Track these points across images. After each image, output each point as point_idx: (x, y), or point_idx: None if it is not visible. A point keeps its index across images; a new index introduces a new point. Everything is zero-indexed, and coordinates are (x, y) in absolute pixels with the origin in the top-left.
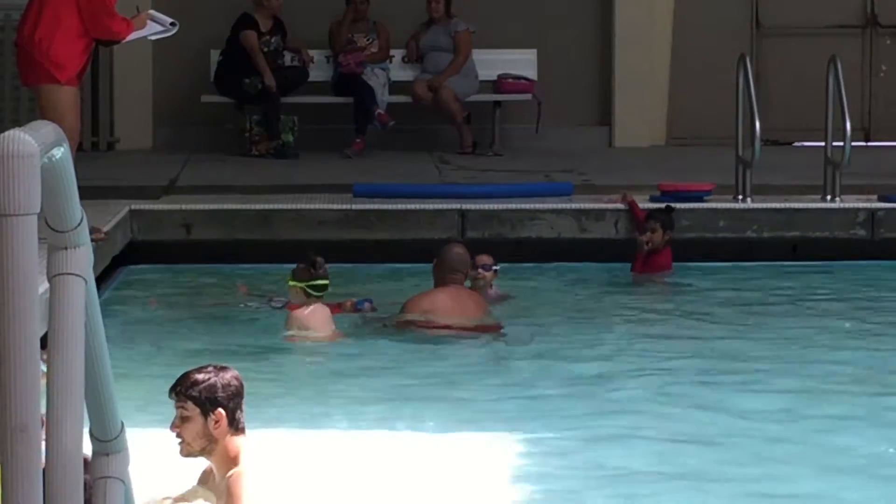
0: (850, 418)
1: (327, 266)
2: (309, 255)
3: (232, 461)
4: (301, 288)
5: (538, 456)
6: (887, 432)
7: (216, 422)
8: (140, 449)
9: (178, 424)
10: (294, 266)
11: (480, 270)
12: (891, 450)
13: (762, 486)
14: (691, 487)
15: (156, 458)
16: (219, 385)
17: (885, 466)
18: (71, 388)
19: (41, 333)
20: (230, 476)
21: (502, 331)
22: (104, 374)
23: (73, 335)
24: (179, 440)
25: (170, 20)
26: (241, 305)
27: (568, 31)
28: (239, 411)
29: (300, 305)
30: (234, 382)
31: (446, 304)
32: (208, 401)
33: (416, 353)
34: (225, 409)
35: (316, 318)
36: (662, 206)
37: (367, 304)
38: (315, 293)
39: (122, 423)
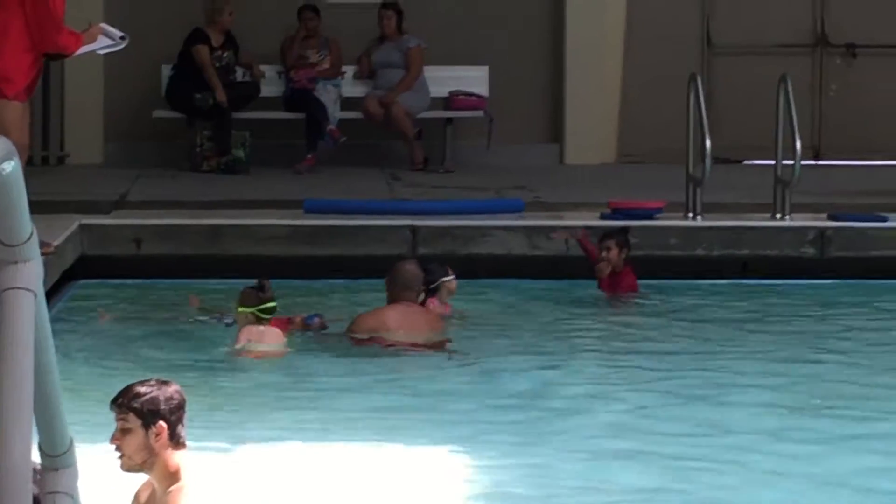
0: (797, 429)
1: (277, 282)
2: (255, 280)
3: (172, 476)
4: (250, 313)
5: (488, 471)
6: (835, 445)
7: (157, 435)
8: (88, 464)
9: (119, 437)
10: (241, 290)
11: (455, 282)
12: (834, 459)
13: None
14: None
15: (104, 474)
16: (161, 398)
17: (831, 474)
18: (20, 403)
19: None
20: (170, 492)
21: (449, 347)
22: (53, 389)
23: (22, 350)
24: (119, 453)
25: (120, 34)
26: (192, 321)
27: (519, 49)
28: (180, 425)
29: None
30: (177, 396)
31: (395, 321)
32: (150, 413)
33: (366, 369)
34: (167, 422)
35: (268, 334)
36: (617, 226)
37: (316, 320)
38: (265, 316)
39: (72, 439)
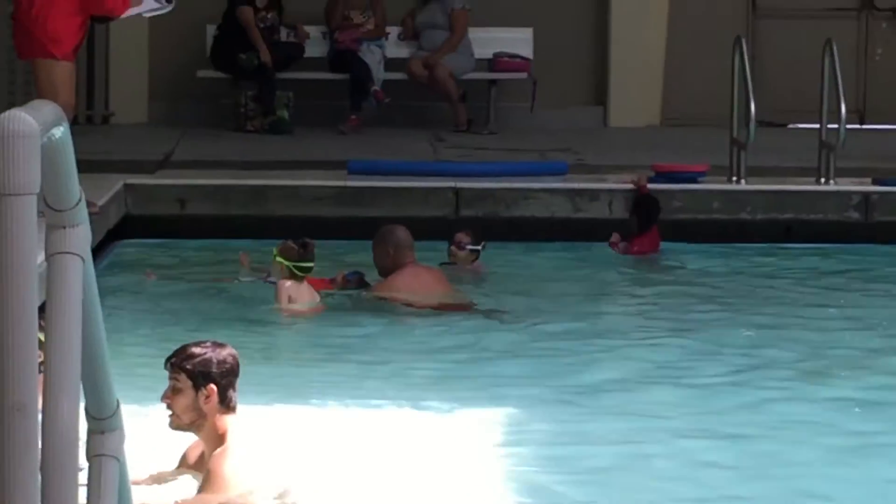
0: (840, 400)
1: (320, 242)
2: (301, 238)
3: (219, 438)
4: (287, 266)
5: (519, 431)
6: (872, 412)
7: (207, 397)
8: (134, 426)
9: (170, 395)
10: (281, 242)
11: (454, 249)
12: (878, 428)
13: (754, 466)
14: (675, 464)
15: (151, 436)
16: (214, 360)
17: (869, 444)
18: (68, 367)
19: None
20: (214, 454)
21: (475, 308)
22: (100, 353)
23: (70, 314)
24: (169, 412)
25: None
26: (236, 281)
27: (564, 11)
28: (231, 390)
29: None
30: (230, 360)
31: (411, 284)
32: (201, 375)
33: (399, 329)
34: (217, 385)
35: (302, 290)
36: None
37: (355, 277)
38: (299, 273)
39: (118, 401)
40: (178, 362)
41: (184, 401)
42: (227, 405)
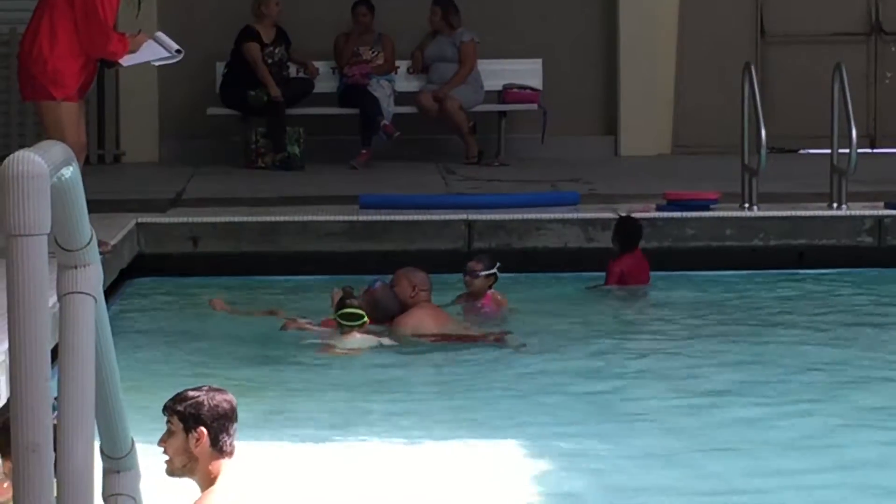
0: (854, 426)
1: (333, 278)
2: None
3: (211, 482)
4: (334, 318)
5: (544, 463)
6: (889, 436)
7: (197, 439)
8: (150, 465)
9: (165, 439)
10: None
11: (468, 279)
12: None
13: (768, 495)
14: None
15: (163, 475)
16: (206, 404)
17: (884, 467)
18: (81, 406)
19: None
20: (199, 497)
21: (490, 338)
22: (114, 392)
23: (83, 353)
24: (166, 456)
25: (176, 47)
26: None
27: (573, 41)
28: (224, 434)
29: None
30: (224, 405)
31: (433, 319)
32: (191, 417)
33: (420, 364)
34: (207, 429)
35: (344, 338)
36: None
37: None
38: (345, 322)
39: (133, 440)
40: (172, 405)
41: (175, 444)
42: (219, 449)
